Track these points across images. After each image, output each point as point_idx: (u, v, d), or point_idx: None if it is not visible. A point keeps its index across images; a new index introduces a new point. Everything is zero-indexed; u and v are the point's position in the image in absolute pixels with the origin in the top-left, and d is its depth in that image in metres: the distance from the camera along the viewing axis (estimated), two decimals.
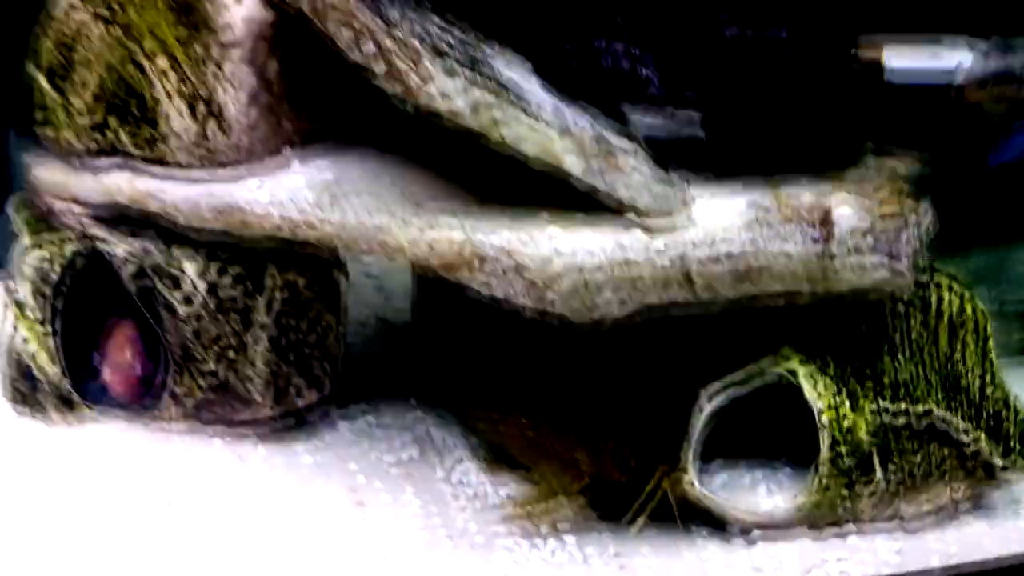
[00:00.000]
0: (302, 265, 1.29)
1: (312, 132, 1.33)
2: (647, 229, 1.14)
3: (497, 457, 1.34)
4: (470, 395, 1.38)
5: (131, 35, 1.23)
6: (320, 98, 1.32)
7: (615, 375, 1.32)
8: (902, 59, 1.41)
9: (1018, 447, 1.27)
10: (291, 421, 1.34)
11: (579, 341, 1.32)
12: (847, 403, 1.18)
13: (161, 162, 1.25)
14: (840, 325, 1.23)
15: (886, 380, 1.21)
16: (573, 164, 1.14)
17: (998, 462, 1.25)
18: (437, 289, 1.45)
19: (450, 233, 1.14)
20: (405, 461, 1.33)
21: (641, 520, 1.18)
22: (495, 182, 1.24)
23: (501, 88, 1.14)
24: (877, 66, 1.41)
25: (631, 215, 1.15)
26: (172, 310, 1.26)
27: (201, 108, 1.22)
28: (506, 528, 1.22)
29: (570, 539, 1.22)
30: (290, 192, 1.20)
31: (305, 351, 1.32)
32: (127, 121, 1.25)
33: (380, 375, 1.50)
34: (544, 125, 1.13)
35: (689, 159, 1.31)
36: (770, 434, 1.30)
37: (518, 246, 1.11)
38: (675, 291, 1.12)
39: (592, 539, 1.22)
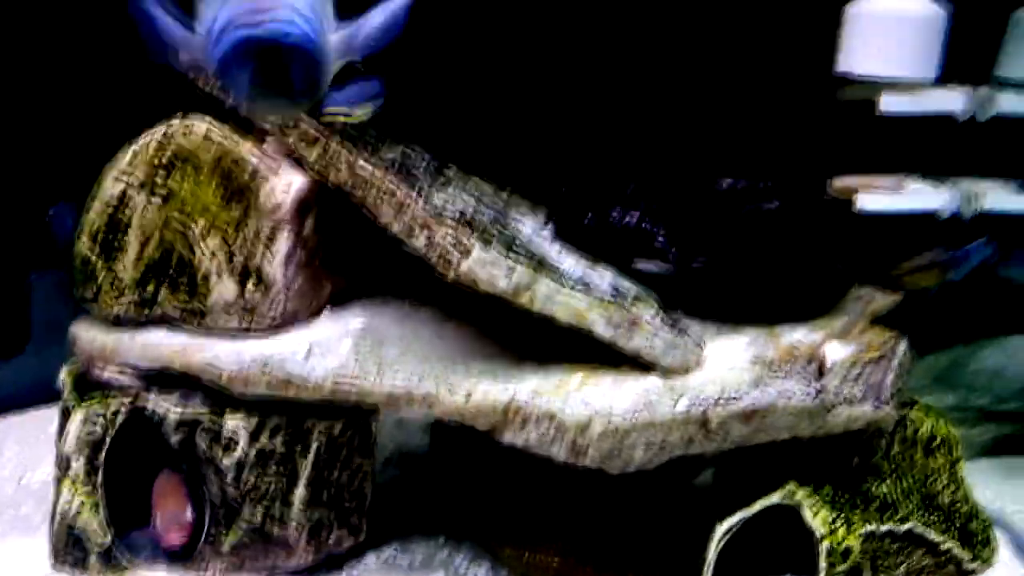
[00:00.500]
0: (340, 414, 1.35)
1: (350, 289, 1.41)
2: (670, 384, 1.27)
3: None
4: (496, 527, 1.47)
5: (184, 213, 1.29)
6: (359, 257, 1.41)
7: (638, 507, 1.44)
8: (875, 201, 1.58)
9: (983, 549, 1.43)
10: (328, 567, 1.40)
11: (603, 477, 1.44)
12: (843, 528, 1.32)
13: (208, 330, 1.32)
14: (835, 455, 1.38)
15: (874, 504, 1.36)
16: (602, 329, 1.26)
17: (968, 563, 1.42)
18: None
19: (495, 397, 1.23)
20: None
21: None
22: (528, 336, 1.35)
23: (535, 260, 1.25)
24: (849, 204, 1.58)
25: (655, 373, 1.28)
26: (215, 465, 1.32)
27: (250, 280, 1.29)
28: None
29: None
30: (338, 360, 1.28)
31: (342, 497, 1.38)
32: (176, 291, 1.32)
33: (407, 509, 1.56)
34: (575, 294, 1.24)
35: (693, 305, 1.45)
36: (775, 551, 1.45)
37: (559, 408, 1.22)
38: (696, 440, 1.24)
39: None
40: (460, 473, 1.56)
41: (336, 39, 0.82)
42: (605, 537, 1.40)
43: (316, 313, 1.37)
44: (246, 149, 1.29)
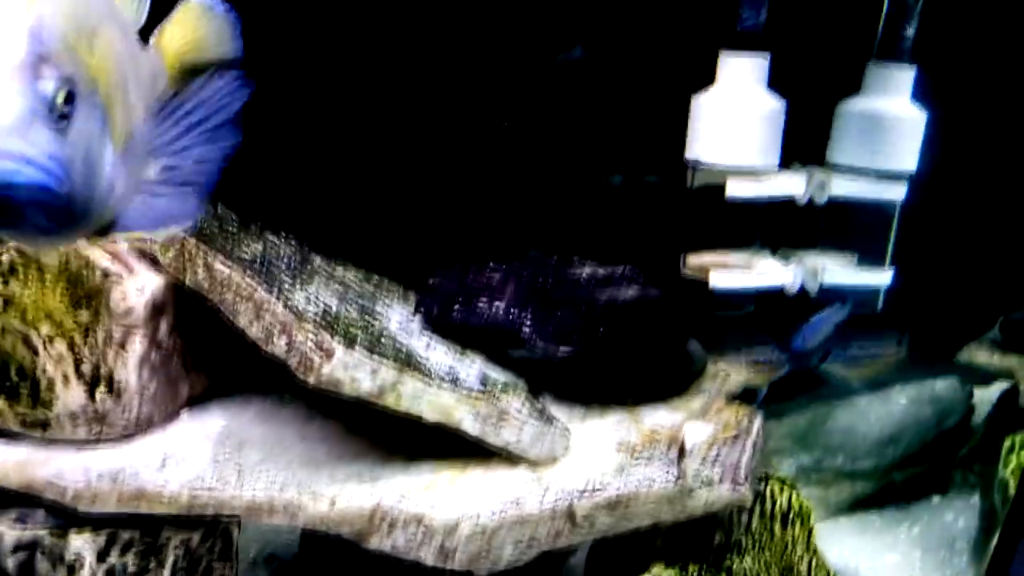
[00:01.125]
0: (198, 523, 1.27)
1: (211, 388, 1.35)
2: (538, 477, 1.27)
3: None
4: None
5: (26, 320, 1.21)
6: (220, 355, 1.35)
7: None
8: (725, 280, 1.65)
9: None
10: None
11: None
12: None
13: (52, 441, 1.23)
14: (699, 534, 1.41)
15: None
16: (470, 426, 1.25)
17: None
18: None
19: (360, 503, 1.19)
20: None
21: None
22: (396, 431, 1.32)
23: (401, 357, 1.23)
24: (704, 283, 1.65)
25: (523, 465, 1.28)
26: None
27: (100, 387, 1.22)
28: None
29: None
30: (196, 470, 1.21)
31: None
32: (16, 401, 1.22)
33: None
34: (442, 392, 1.23)
35: (561, 389, 1.47)
36: None
37: (426, 512, 1.19)
38: (563, 534, 1.24)
39: None
40: (331, 572, 1.51)
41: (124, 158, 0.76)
42: None
43: (173, 416, 1.30)
44: (96, 251, 1.23)
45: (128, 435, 1.25)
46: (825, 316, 1.84)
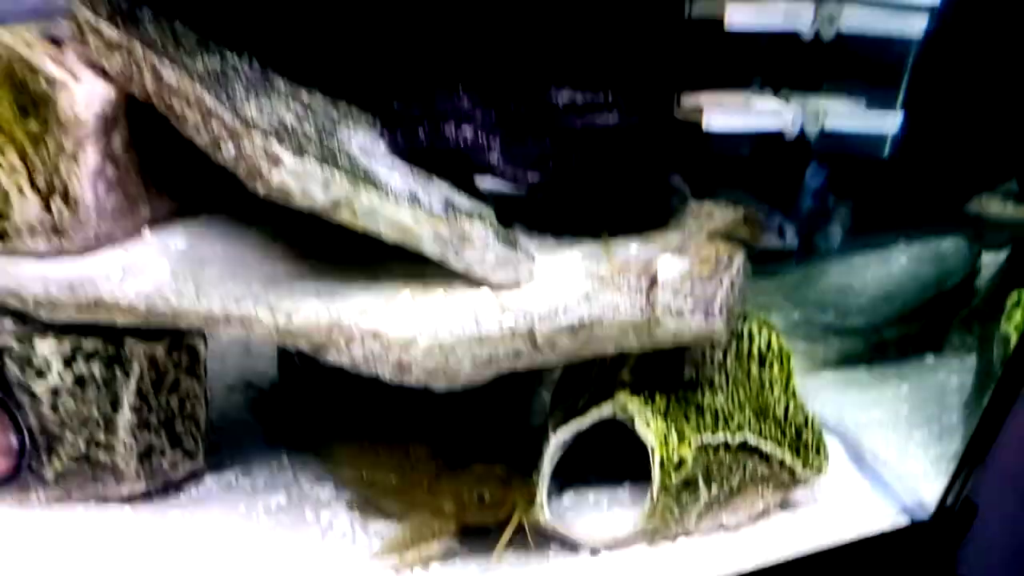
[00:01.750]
0: (161, 336, 1.27)
1: (171, 210, 1.32)
2: (500, 300, 1.23)
3: (368, 503, 1.41)
4: (339, 447, 1.42)
5: None
6: (178, 175, 1.31)
7: (473, 420, 1.41)
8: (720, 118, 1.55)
9: (815, 458, 1.46)
10: (165, 493, 1.34)
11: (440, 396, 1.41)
12: (675, 438, 1.32)
13: (13, 252, 1.21)
14: (668, 368, 1.37)
15: (708, 415, 1.36)
16: (430, 246, 1.20)
17: (801, 472, 1.44)
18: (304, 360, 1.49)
19: (317, 318, 1.17)
20: (274, 511, 1.36)
21: (500, 549, 1.28)
22: (358, 253, 1.28)
23: (356, 172, 1.18)
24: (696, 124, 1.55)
25: (486, 288, 1.23)
26: (30, 392, 1.22)
27: (55, 199, 1.18)
28: (376, 563, 1.29)
29: (438, 570, 1.31)
30: (153, 282, 1.19)
31: (173, 422, 1.31)
32: None
33: (251, 436, 1.51)
34: (401, 209, 1.18)
35: (531, 219, 1.41)
36: (614, 456, 1.44)
37: (383, 327, 1.16)
38: (523, 354, 1.20)
39: (458, 569, 1.32)
40: (307, 399, 1.51)
41: None
42: (447, 451, 1.38)
43: (135, 235, 1.27)
44: (40, 56, 1.17)
45: (88, 249, 1.22)
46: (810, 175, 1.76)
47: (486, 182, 1.37)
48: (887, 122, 1.63)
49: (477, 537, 1.35)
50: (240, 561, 1.26)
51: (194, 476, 1.38)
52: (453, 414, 1.42)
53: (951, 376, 1.77)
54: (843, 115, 1.60)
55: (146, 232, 1.28)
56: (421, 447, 1.36)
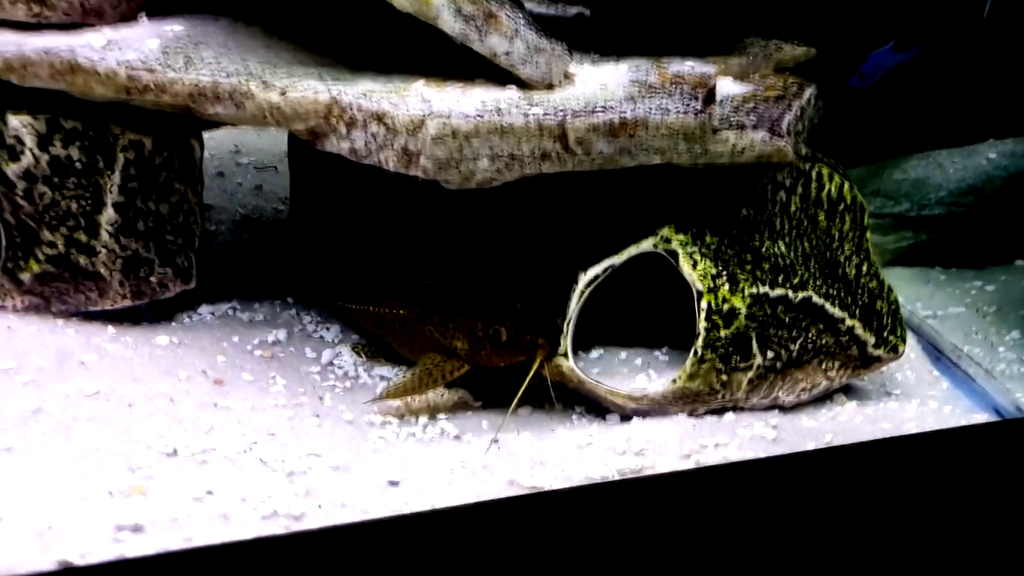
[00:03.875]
0: (149, 127, 1.06)
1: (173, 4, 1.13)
2: (528, 96, 1.00)
3: (374, 347, 1.20)
4: (349, 289, 1.21)
5: None
6: None
7: (494, 260, 1.19)
8: None
9: (890, 335, 1.19)
10: (156, 315, 1.15)
11: (458, 229, 1.19)
12: (726, 285, 1.07)
13: None
14: (722, 206, 1.12)
15: (766, 264, 1.10)
16: (450, 21, 0.97)
17: (872, 348, 1.18)
18: (315, 184, 1.29)
19: (315, 95, 0.95)
20: (271, 344, 1.16)
21: (515, 401, 1.05)
22: (371, 50, 1.08)
23: None
24: None
25: (512, 86, 1.01)
26: (3, 176, 1.04)
27: None
28: (379, 408, 1.08)
29: (446, 421, 1.09)
30: (140, 54, 0.99)
31: (163, 231, 1.11)
32: None
33: (256, 272, 1.30)
34: None
35: (579, 38, 1.19)
36: (653, 324, 1.20)
37: (388, 108, 0.94)
38: (552, 155, 0.96)
39: (470, 421, 1.09)
40: (318, 240, 1.31)
41: None
42: (463, 293, 1.16)
43: (128, 18, 1.08)
44: None
45: (72, 22, 1.03)
46: (885, 53, 1.50)
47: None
48: None
49: (494, 393, 1.13)
50: (222, 393, 1.05)
51: (187, 302, 1.18)
52: (476, 255, 1.20)
53: None
54: None
55: (142, 17, 1.09)
56: (434, 282, 1.16)
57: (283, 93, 0.95)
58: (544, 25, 1.10)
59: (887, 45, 1.53)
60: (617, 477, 1.01)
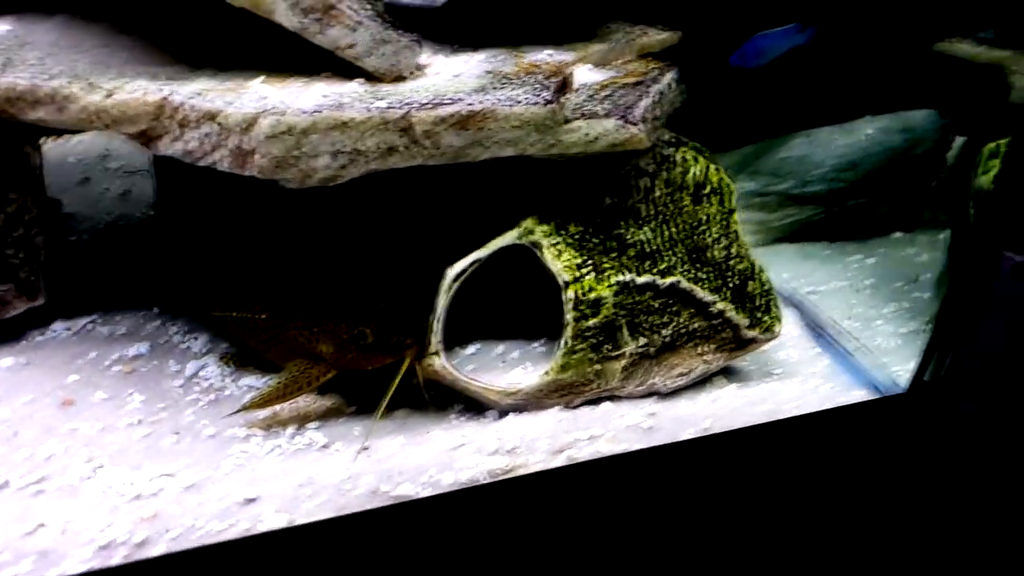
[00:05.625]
0: None
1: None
2: (373, 90, 0.95)
3: (242, 356, 1.13)
4: (212, 296, 1.14)
5: None
6: None
7: (362, 259, 1.14)
8: None
9: (764, 316, 1.18)
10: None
11: (324, 233, 1.13)
12: (592, 274, 1.04)
13: None
14: (585, 195, 1.08)
15: (631, 251, 1.07)
16: (286, 15, 0.91)
17: (747, 330, 1.16)
18: (179, 187, 1.22)
19: (144, 96, 0.89)
20: (131, 358, 1.09)
21: (382, 406, 1.00)
22: (218, 47, 1.01)
23: None
24: None
25: (359, 79, 0.96)
26: None
27: None
28: (244, 419, 1.02)
29: (315, 430, 1.03)
30: None
31: (1, 246, 1.02)
32: None
33: (120, 283, 1.22)
34: None
35: (443, 29, 1.13)
36: (531, 315, 1.16)
37: (222, 106, 0.88)
38: (398, 149, 0.90)
39: (341, 429, 1.04)
40: (183, 247, 1.23)
41: None
42: (324, 287, 1.10)
43: None
44: None
45: None
46: (775, 35, 1.47)
47: None
48: None
49: (370, 397, 1.07)
50: (71, 415, 0.97)
51: (38, 318, 1.10)
52: (341, 258, 1.14)
53: (922, 252, 1.48)
54: None
55: None
56: (298, 285, 1.09)
57: (109, 95, 0.88)
58: (407, 16, 1.04)
59: (781, 28, 1.50)
60: (487, 479, 0.97)
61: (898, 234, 1.53)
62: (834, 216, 1.47)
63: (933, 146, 1.51)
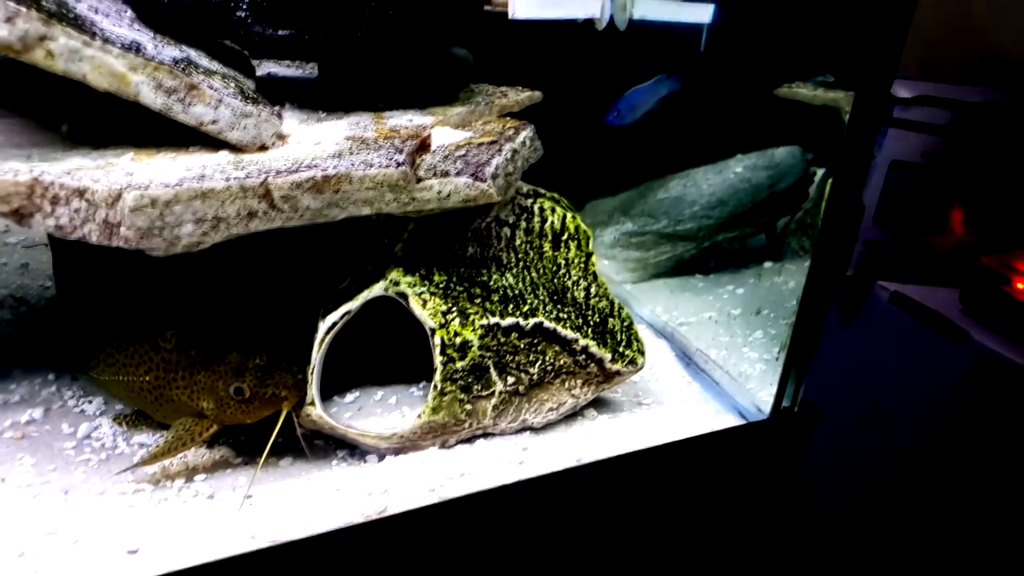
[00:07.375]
0: None
1: None
2: (238, 160, 1.02)
3: (136, 417, 1.17)
4: (101, 359, 1.17)
5: None
6: None
7: (240, 315, 1.19)
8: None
9: (627, 349, 1.25)
10: None
11: (203, 287, 1.19)
12: (457, 320, 1.11)
13: None
14: (450, 247, 1.16)
15: (495, 296, 1.15)
16: (150, 96, 0.98)
17: (610, 363, 1.23)
18: (71, 256, 1.26)
19: (15, 177, 0.93)
20: (24, 424, 1.12)
21: (263, 456, 1.05)
22: (99, 126, 1.07)
23: (58, 12, 0.96)
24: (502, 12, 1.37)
25: (224, 150, 1.03)
26: None
27: None
28: (135, 475, 1.06)
29: (202, 481, 1.07)
30: None
31: None
32: None
33: (15, 353, 1.26)
34: (109, 54, 0.96)
35: (313, 97, 1.21)
36: (410, 361, 1.23)
37: (89, 183, 0.94)
38: (259, 214, 0.97)
39: (227, 479, 1.08)
40: (78, 311, 1.27)
41: None
42: (203, 344, 1.15)
43: None
44: None
45: None
46: (645, 89, 1.57)
47: (232, 41, 1.17)
48: (699, 12, 1.47)
49: (258, 448, 1.12)
50: None
51: None
52: (219, 303, 1.20)
53: (789, 280, 1.59)
54: (653, 5, 1.44)
55: None
56: (174, 338, 1.13)
57: None
58: (285, 86, 1.12)
59: (646, 82, 1.61)
60: (361, 520, 1.02)
61: (768, 264, 1.64)
62: (705, 251, 1.58)
63: (796, 180, 1.63)
